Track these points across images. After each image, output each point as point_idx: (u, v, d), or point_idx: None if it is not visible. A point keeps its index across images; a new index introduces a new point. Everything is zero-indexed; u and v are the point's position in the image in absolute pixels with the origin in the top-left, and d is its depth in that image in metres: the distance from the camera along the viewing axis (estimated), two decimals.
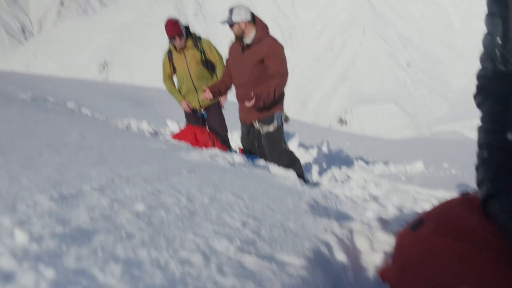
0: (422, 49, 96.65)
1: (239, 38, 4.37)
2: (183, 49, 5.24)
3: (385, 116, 74.93)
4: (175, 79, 5.65)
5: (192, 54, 5.26)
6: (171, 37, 5.14)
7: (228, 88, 4.80)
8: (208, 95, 4.64)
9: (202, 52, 5.30)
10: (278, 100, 4.45)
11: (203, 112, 5.62)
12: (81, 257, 0.88)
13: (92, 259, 0.88)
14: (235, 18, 4.28)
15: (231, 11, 4.35)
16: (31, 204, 1.18)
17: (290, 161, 4.63)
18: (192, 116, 5.67)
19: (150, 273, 0.88)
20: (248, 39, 4.37)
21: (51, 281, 0.72)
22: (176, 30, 5.11)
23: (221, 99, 5.52)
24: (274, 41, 4.39)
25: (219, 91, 4.73)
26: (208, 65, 5.41)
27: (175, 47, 5.27)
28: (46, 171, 1.68)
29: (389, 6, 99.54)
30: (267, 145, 4.62)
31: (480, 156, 1.64)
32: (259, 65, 4.34)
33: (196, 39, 5.29)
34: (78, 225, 1.09)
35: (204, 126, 5.66)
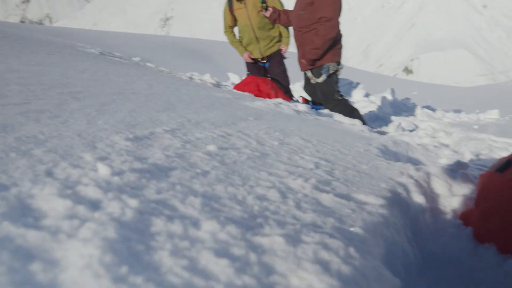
0: None
1: None
2: None
3: (456, 63, 69.88)
4: (235, 30, 5.57)
5: (252, 3, 5.11)
6: None
7: (288, 21, 4.81)
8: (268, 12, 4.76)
9: (263, 0, 5.16)
10: (327, 49, 4.42)
11: (265, 62, 5.54)
12: (161, 190, 0.88)
13: (171, 193, 0.88)
14: None
15: None
16: (109, 143, 1.21)
17: (346, 110, 4.59)
18: (254, 67, 5.60)
19: (229, 206, 0.87)
20: None
21: (135, 209, 0.73)
22: None
23: (283, 47, 5.39)
24: None
25: (279, 16, 4.78)
26: None
27: None
28: (119, 115, 1.72)
29: None
30: (320, 95, 4.72)
31: None
32: (309, 6, 4.32)
33: None
34: (155, 162, 1.10)
35: (266, 76, 5.60)
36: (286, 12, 4.81)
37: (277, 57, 5.47)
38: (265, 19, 5.22)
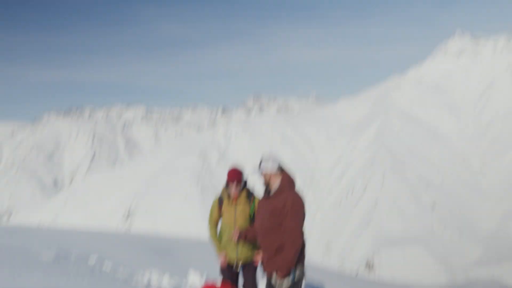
0: (445, 190, 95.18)
1: (266, 186, 4.55)
2: (235, 200, 5.24)
3: (414, 260, 71.01)
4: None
5: (242, 208, 5.23)
6: (230, 181, 5.18)
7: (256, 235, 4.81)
8: (236, 234, 4.92)
9: (253, 208, 5.25)
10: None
11: (239, 268, 5.43)
12: None
13: None
14: (262, 169, 4.54)
15: (260, 162, 4.59)
16: None
17: None
18: (227, 271, 5.47)
19: None
20: (272, 189, 4.52)
21: None
22: (238, 177, 5.17)
23: (257, 256, 5.33)
24: (295, 195, 4.51)
25: (245, 235, 4.95)
26: None
27: (228, 196, 5.27)
28: None
29: (407, 148, 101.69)
30: None
31: None
32: (274, 215, 4.44)
33: (250, 194, 5.31)
34: None
35: (236, 282, 5.48)
36: (254, 226, 4.91)
37: (252, 267, 5.31)
38: (250, 226, 5.24)
